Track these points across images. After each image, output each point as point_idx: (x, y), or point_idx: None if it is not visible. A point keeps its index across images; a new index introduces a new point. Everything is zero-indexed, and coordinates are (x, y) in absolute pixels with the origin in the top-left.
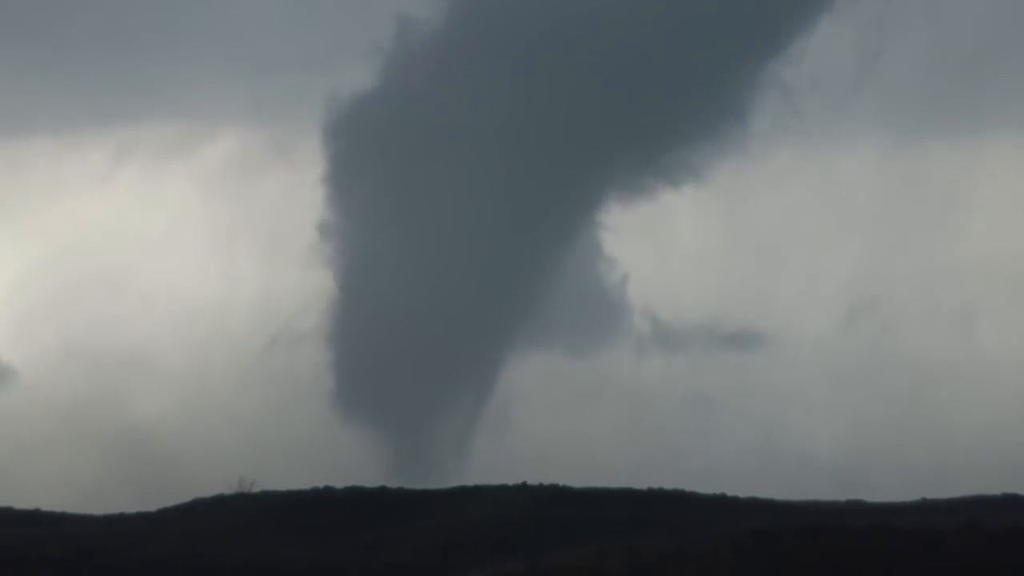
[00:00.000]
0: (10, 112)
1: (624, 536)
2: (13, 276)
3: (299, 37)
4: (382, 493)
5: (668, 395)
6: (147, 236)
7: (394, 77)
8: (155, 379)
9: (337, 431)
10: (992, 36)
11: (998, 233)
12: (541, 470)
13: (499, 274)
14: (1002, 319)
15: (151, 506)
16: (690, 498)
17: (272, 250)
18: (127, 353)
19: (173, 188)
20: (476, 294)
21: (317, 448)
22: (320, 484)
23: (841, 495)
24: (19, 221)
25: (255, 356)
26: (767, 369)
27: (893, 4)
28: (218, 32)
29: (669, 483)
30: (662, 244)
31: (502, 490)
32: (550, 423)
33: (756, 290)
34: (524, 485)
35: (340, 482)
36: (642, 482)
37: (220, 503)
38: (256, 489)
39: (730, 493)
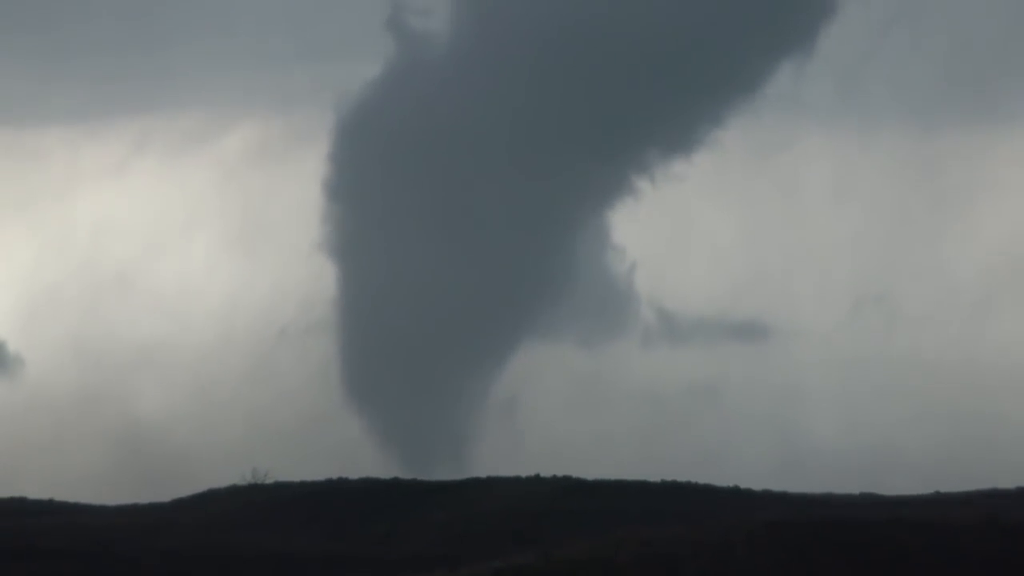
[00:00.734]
0: (28, 100)
1: (638, 528)
2: (26, 266)
3: (314, 28)
4: (396, 484)
5: (674, 386)
6: (160, 229)
7: (403, 72)
8: (165, 372)
9: (348, 422)
10: (1009, 29)
11: (1009, 227)
12: (549, 461)
13: (507, 264)
14: (1013, 312)
15: (163, 498)
16: (704, 490)
17: (282, 242)
18: (136, 346)
19: (188, 179)
20: (484, 284)
21: (328, 439)
22: (333, 475)
23: (850, 487)
24: (35, 211)
25: (265, 348)
26: (775, 360)
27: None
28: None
29: (675, 474)
30: (670, 234)
31: (515, 482)
32: (558, 415)
33: (764, 281)
34: (537, 477)
35: (352, 473)
36: (648, 473)
37: (234, 494)
38: (270, 480)
39: (742, 485)
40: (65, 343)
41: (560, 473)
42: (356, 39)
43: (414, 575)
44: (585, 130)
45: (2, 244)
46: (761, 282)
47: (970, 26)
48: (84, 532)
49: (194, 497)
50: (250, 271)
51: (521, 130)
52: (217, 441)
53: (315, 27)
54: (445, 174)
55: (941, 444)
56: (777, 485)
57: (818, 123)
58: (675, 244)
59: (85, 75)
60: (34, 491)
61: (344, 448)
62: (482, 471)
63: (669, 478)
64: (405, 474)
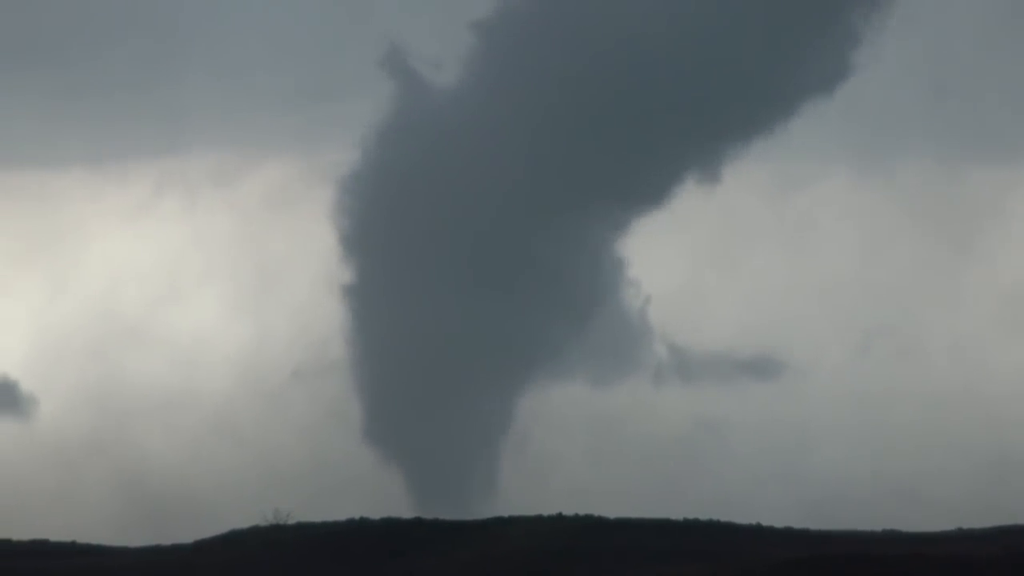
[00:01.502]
0: (45, 141)
1: (659, 566)
2: (43, 308)
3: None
4: (417, 524)
5: (688, 422)
6: (176, 272)
7: (416, 115)
8: (181, 416)
9: (366, 463)
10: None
11: (1020, 258)
12: (566, 500)
13: (522, 302)
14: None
15: (183, 539)
16: (726, 528)
17: (298, 284)
18: (152, 388)
19: (207, 222)
20: (498, 323)
21: (347, 480)
22: (354, 515)
23: (870, 524)
24: (53, 252)
25: (283, 388)
26: (790, 396)
27: (941, 27)
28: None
29: (692, 512)
30: (680, 268)
31: (537, 521)
32: (574, 453)
33: (778, 317)
34: (559, 516)
35: (373, 513)
36: (664, 511)
37: (256, 535)
38: (291, 521)
39: (764, 523)
40: (80, 384)
41: (581, 512)
42: (365, 83)
43: None
44: (600, 168)
45: (18, 285)
46: (775, 317)
47: (989, 58)
48: (110, 574)
49: (216, 539)
50: (268, 316)
51: (535, 168)
52: (234, 482)
53: (321, 71)
54: (459, 214)
55: (962, 480)
56: (797, 522)
57: (831, 161)
58: (689, 278)
59: (102, 116)
60: (50, 533)
61: (361, 486)
62: (503, 510)
63: (690, 516)
64: (427, 514)
